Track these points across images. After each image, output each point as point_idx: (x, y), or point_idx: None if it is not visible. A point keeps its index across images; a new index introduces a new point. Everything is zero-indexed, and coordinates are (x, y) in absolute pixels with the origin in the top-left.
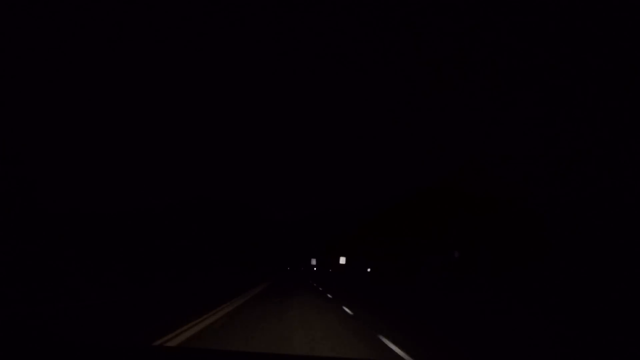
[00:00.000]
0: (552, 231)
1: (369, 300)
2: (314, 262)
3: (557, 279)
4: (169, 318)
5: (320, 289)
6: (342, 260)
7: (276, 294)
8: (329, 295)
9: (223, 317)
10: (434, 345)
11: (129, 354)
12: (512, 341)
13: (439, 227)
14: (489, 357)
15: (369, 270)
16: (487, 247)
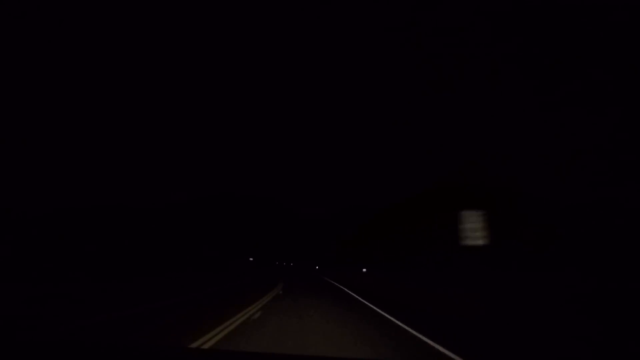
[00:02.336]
0: (552, 229)
1: None
2: None
3: (558, 277)
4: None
5: None
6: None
7: None
8: None
9: None
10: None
11: (127, 355)
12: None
13: (439, 225)
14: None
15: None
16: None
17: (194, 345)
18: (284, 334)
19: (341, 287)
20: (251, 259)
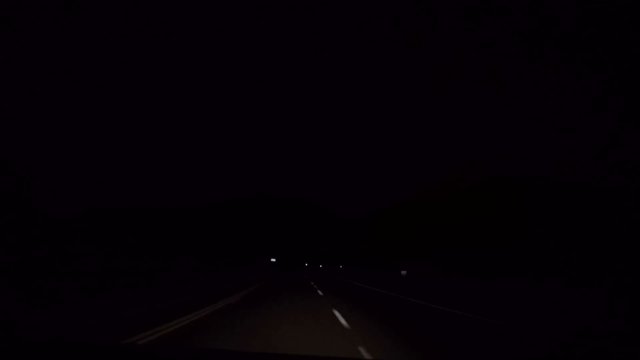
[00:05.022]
0: (550, 230)
1: None
2: None
3: (556, 276)
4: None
5: None
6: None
7: None
8: None
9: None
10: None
11: (124, 353)
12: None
13: (439, 225)
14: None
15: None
16: (486, 245)
17: None
18: None
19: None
20: (273, 259)
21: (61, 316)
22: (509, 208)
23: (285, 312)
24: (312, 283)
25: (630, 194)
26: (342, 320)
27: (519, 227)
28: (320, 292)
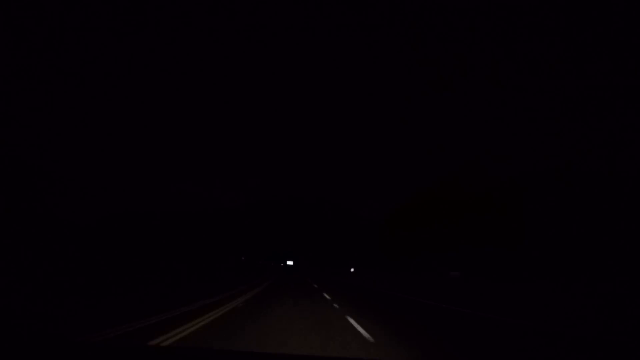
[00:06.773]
0: (549, 230)
1: None
2: None
3: (556, 277)
4: None
5: None
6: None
7: None
8: None
9: None
10: None
11: (126, 353)
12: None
13: (439, 226)
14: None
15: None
16: (486, 245)
17: None
18: None
19: None
20: (290, 262)
21: (78, 323)
22: (509, 208)
23: None
24: None
25: (630, 194)
26: None
27: (518, 227)
28: None
